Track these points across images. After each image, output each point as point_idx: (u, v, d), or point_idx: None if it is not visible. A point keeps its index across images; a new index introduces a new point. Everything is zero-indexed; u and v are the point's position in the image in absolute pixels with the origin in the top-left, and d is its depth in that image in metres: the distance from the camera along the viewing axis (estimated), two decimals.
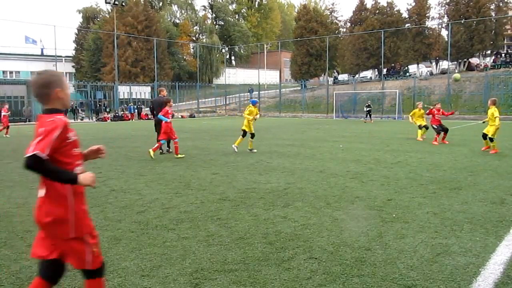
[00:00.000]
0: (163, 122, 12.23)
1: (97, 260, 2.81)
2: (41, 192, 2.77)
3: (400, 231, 5.20)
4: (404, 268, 4.09)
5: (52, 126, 2.64)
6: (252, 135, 13.69)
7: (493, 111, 12.87)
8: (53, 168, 2.63)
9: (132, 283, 3.82)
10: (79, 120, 39.78)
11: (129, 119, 40.13)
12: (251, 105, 13.98)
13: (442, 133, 15.82)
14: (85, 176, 2.66)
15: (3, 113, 22.19)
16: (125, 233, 5.25)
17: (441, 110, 16.38)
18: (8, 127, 22.02)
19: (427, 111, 16.54)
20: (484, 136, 13.14)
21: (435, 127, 15.80)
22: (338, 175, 9.14)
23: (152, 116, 14.26)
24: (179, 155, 12.25)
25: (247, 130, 13.54)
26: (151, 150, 11.96)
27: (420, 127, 17.04)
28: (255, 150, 13.45)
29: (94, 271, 2.82)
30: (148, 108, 44.39)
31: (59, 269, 2.82)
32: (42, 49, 55.51)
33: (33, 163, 2.56)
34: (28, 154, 2.54)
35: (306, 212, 6.14)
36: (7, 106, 23.24)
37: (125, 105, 43.04)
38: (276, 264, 4.22)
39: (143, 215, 6.06)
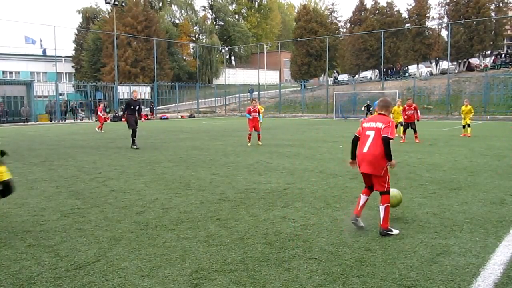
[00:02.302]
0: (247, 118, 16.00)
1: (388, 187, 5.23)
2: (370, 150, 5.19)
3: (400, 232, 5.20)
4: (404, 268, 4.09)
5: (392, 122, 5.21)
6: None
7: (470, 107, 18.78)
8: (390, 147, 5.09)
9: (131, 283, 3.82)
10: (78, 120, 39.76)
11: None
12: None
13: (413, 131, 16.48)
14: (393, 161, 5.14)
15: (99, 113, 25.23)
16: (125, 233, 5.25)
17: (413, 105, 16.66)
18: (102, 124, 24.67)
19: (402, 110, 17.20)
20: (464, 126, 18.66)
21: (403, 123, 16.59)
22: (337, 176, 9.14)
23: (122, 115, 15.99)
24: (258, 143, 15.89)
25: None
26: (258, 142, 15.84)
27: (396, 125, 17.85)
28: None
29: (387, 191, 5.21)
30: (148, 108, 44.58)
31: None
32: (44, 50, 55.20)
33: (389, 142, 5.05)
34: (389, 136, 5.06)
35: (305, 212, 6.14)
36: (102, 104, 27.36)
37: (104, 107, 42.91)
38: (276, 264, 4.21)
39: (143, 215, 6.06)
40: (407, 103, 16.72)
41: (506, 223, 5.54)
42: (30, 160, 12.19)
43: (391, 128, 5.10)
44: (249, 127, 15.94)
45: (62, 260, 4.36)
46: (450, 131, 22.19)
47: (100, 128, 24.19)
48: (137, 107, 15.25)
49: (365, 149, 5.18)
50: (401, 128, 17.39)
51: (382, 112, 5.40)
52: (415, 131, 16.31)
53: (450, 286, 3.71)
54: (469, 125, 18.69)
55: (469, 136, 18.24)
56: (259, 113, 16.12)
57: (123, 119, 15.11)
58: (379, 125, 5.17)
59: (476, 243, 4.77)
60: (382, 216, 5.08)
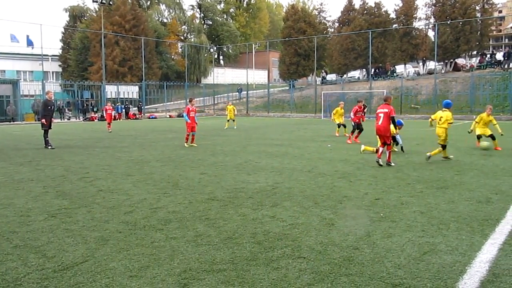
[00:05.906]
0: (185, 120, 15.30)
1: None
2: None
3: (387, 230, 5.24)
4: (391, 266, 4.12)
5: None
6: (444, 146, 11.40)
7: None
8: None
9: (120, 283, 3.79)
10: (66, 120, 39.34)
11: (116, 119, 39.78)
12: (445, 109, 11.59)
13: (357, 131, 16.83)
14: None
15: (108, 112, 24.87)
16: (113, 233, 5.21)
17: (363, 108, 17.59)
18: (110, 123, 24.13)
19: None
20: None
21: (353, 124, 16.90)
22: (326, 175, 9.18)
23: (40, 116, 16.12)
24: (193, 144, 15.24)
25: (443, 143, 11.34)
26: (186, 144, 15.23)
27: (338, 125, 19.59)
28: (451, 157, 11.46)
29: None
30: (136, 108, 44.32)
31: None
32: (29, 40, 52.44)
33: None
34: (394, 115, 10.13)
35: (294, 211, 6.16)
36: (109, 103, 26.96)
37: (113, 105, 42.63)
38: (265, 263, 4.22)
39: (131, 215, 6.03)
40: (358, 104, 17.28)
41: (491, 221, 5.62)
42: (16, 160, 12.03)
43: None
44: (188, 128, 15.23)
45: (49, 261, 4.32)
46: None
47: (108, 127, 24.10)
48: (52, 107, 15.66)
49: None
50: (337, 129, 19.62)
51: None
52: (360, 132, 16.91)
53: (437, 284, 3.75)
54: (494, 137, 13.76)
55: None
56: (195, 112, 15.75)
57: (43, 120, 15.02)
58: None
59: (462, 242, 4.83)
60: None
